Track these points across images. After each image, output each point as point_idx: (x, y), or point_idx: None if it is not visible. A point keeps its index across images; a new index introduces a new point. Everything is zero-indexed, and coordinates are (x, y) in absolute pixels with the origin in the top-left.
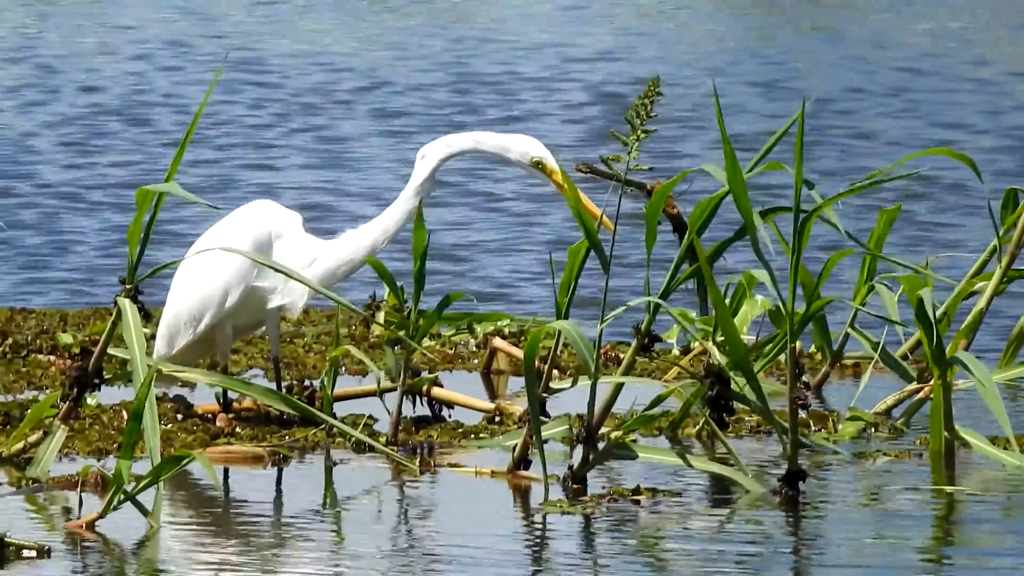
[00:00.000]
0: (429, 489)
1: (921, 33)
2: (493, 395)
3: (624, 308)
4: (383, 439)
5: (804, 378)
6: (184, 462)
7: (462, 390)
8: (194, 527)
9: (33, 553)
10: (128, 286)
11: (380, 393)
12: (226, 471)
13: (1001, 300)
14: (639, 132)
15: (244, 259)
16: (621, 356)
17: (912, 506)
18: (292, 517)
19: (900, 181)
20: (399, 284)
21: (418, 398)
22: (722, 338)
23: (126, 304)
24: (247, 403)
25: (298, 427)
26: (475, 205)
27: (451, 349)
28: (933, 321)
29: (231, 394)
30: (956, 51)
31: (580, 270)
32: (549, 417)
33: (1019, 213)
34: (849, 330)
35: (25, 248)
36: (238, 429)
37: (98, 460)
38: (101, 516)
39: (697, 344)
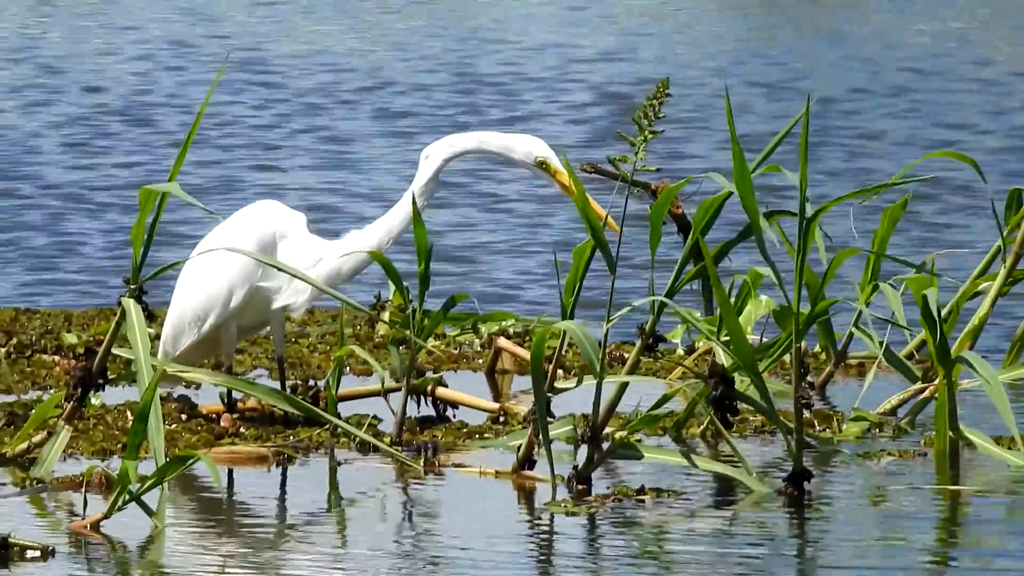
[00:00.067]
0: (433, 489)
1: (924, 33)
2: (497, 395)
3: (629, 308)
4: (387, 439)
5: (809, 378)
6: (189, 462)
7: (467, 390)
8: (198, 527)
9: (37, 554)
10: (132, 286)
11: (385, 393)
12: (230, 471)
13: (1005, 301)
14: (646, 132)
15: (248, 259)
16: (626, 356)
17: (916, 506)
18: (296, 517)
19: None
20: (404, 285)
21: (423, 398)
22: (727, 338)
23: (130, 304)
24: (251, 403)
25: (302, 427)
26: (481, 206)
27: (456, 349)
28: (938, 320)
29: (235, 394)
30: (959, 51)
31: (585, 271)
32: (554, 417)
33: (1023, 214)
34: (853, 330)
35: (31, 249)
36: (242, 429)
37: (102, 460)
38: (106, 517)
39: (701, 344)
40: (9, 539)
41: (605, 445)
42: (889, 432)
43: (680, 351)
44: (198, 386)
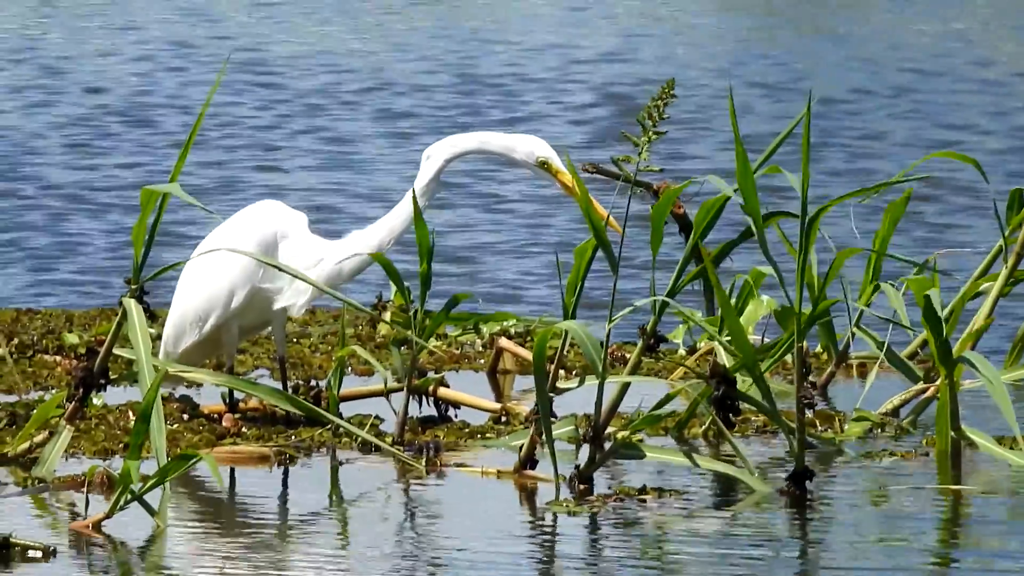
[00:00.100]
0: (435, 489)
1: (925, 34)
2: (499, 395)
3: (631, 308)
4: (389, 439)
5: (810, 378)
6: (191, 462)
7: (468, 390)
8: (199, 528)
9: (39, 554)
10: (133, 287)
11: (386, 393)
12: (232, 471)
13: (1006, 301)
14: (650, 133)
15: (250, 259)
16: (627, 356)
17: (918, 506)
18: (298, 517)
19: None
20: (406, 285)
21: (424, 398)
22: (728, 337)
23: (131, 304)
24: (253, 403)
25: (304, 427)
26: (483, 207)
27: (457, 349)
28: (942, 319)
29: (237, 394)
30: (960, 51)
31: (587, 271)
32: (556, 417)
33: None
34: (855, 330)
35: (33, 250)
36: (244, 429)
37: (104, 460)
38: (107, 516)
39: (703, 344)
40: (10, 539)
41: (607, 445)
42: (891, 432)
43: (681, 351)
44: (200, 386)
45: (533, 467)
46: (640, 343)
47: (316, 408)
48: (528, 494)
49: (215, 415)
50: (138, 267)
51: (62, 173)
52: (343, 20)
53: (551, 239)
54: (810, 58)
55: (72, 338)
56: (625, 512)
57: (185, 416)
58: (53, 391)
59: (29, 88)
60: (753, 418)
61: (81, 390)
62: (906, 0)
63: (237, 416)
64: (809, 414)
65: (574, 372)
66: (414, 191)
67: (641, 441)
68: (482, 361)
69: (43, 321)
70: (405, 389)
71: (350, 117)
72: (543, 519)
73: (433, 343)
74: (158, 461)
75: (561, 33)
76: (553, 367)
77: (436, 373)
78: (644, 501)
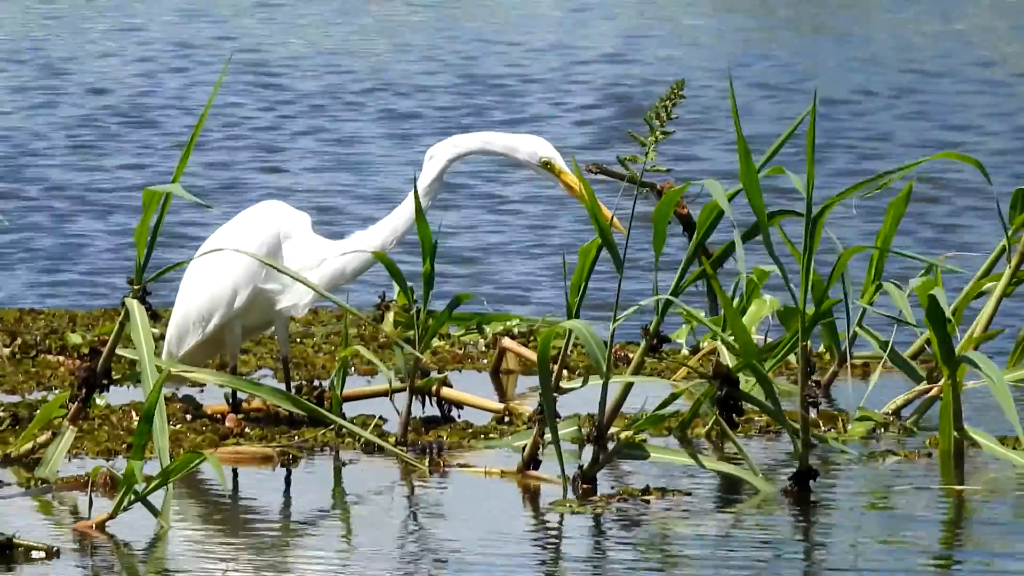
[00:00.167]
0: (438, 490)
1: (928, 35)
2: (502, 395)
3: (635, 308)
4: (392, 439)
5: (814, 377)
6: (194, 463)
7: (471, 390)
8: (203, 528)
9: (42, 554)
10: (136, 287)
11: (390, 393)
12: (235, 471)
13: (1009, 301)
14: (657, 133)
15: (253, 259)
16: (630, 356)
17: (921, 506)
18: (301, 517)
19: (916, 184)
20: (409, 285)
21: (427, 398)
22: (731, 337)
23: (134, 305)
24: (256, 403)
25: (307, 427)
26: (488, 208)
27: (460, 349)
28: (946, 319)
29: (240, 394)
30: (962, 52)
31: (591, 271)
32: (559, 417)
33: None
34: (858, 329)
35: (37, 251)
36: (247, 429)
37: (107, 461)
38: (111, 517)
39: (706, 344)
40: (14, 539)
41: (610, 445)
42: (894, 432)
43: (684, 351)
44: (203, 386)
45: (536, 467)
46: (643, 343)
47: (319, 408)
48: (531, 494)
49: (218, 415)
50: (140, 267)
51: (66, 174)
52: (346, 21)
53: (556, 240)
54: (811, 59)
55: (75, 338)
56: (629, 512)
57: (188, 416)
58: (56, 391)
59: (32, 89)
60: (756, 418)
61: (84, 390)
62: (907, 0)
63: (240, 416)
64: (813, 414)
65: (577, 372)
66: (416, 190)
67: (644, 441)
68: (485, 361)
69: (46, 321)
70: (408, 389)
71: (353, 118)
72: (546, 519)
73: (436, 343)
74: (161, 461)
75: (564, 34)
76: (557, 367)
77: (439, 373)
78: (647, 501)
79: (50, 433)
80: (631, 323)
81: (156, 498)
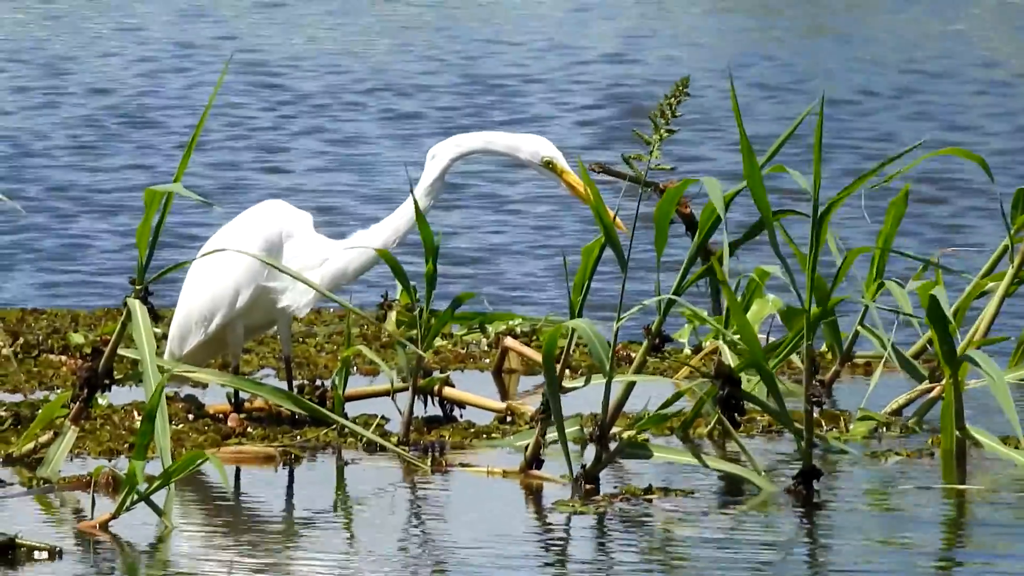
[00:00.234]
0: (441, 489)
1: (929, 35)
2: (505, 395)
3: (639, 307)
4: (395, 439)
5: (818, 376)
6: (197, 463)
7: (474, 390)
8: (205, 527)
9: (44, 554)
10: (138, 287)
11: (392, 393)
12: (237, 471)
13: (1012, 300)
14: (662, 131)
15: (255, 259)
16: (632, 356)
17: (923, 506)
18: (303, 517)
19: (919, 184)
20: (412, 284)
21: (430, 398)
22: (734, 336)
23: (136, 305)
24: (258, 403)
25: (310, 427)
26: (491, 208)
27: (463, 349)
28: (948, 318)
29: (242, 394)
30: (963, 52)
31: (594, 270)
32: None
33: None
34: (860, 328)
35: (40, 251)
36: (249, 429)
37: (109, 460)
38: (114, 517)
39: (708, 344)
40: (16, 539)
41: (613, 444)
42: (896, 432)
43: (687, 351)
44: (205, 386)
45: (539, 467)
46: (645, 342)
47: (321, 408)
48: (534, 494)
49: (220, 415)
50: (142, 267)
51: (68, 174)
52: (347, 21)
53: (559, 241)
54: (811, 59)
55: (77, 338)
56: (631, 512)
57: (190, 416)
58: (58, 391)
59: (34, 89)
60: (758, 418)
61: (86, 390)
62: (908, 0)
63: (242, 416)
64: (815, 413)
65: (579, 372)
66: (414, 191)
67: (647, 441)
68: (487, 360)
69: (48, 321)
70: (410, 389)
71: (354, 118)
72: (549, 519)
73: (438, 342)
74: (163, 461)
75: (563, 34)
76: (560, 366)
77: (441, 373)
78: (650, 501)
79: (52, 433)
80: (633, 323)
81: (158, 498)
